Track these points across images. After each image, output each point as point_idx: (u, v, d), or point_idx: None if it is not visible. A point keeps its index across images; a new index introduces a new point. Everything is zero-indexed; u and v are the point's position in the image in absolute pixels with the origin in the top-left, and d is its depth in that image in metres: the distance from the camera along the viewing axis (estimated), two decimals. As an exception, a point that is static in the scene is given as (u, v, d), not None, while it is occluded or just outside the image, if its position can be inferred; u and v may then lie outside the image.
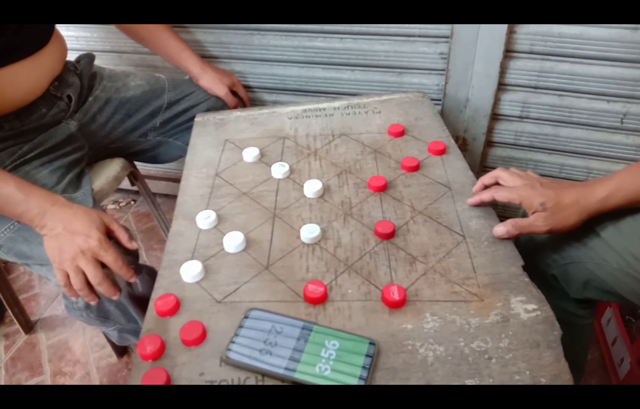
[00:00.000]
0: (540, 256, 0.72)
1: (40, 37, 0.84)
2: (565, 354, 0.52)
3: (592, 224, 0.63)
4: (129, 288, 0.76)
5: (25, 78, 0.82)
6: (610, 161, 1.07)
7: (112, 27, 1.18)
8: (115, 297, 0.70)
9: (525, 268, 0.62)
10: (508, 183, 0.67)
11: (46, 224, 0.70)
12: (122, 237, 0.72)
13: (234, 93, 1.10)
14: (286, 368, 0.51)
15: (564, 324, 0.55)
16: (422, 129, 0.89)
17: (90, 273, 0.67)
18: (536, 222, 0.61)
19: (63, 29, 0.96)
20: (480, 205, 0.71)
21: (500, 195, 0.66)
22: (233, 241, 0.67)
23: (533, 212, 0.62)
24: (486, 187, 0.71)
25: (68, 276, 0.68)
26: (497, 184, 0.70)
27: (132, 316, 0.80)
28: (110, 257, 0.68)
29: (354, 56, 1.10)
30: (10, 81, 0.79)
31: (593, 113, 1.02)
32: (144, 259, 1.39)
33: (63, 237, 0.68)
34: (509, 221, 0.64)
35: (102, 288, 0.68)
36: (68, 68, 0.94)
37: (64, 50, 0.93)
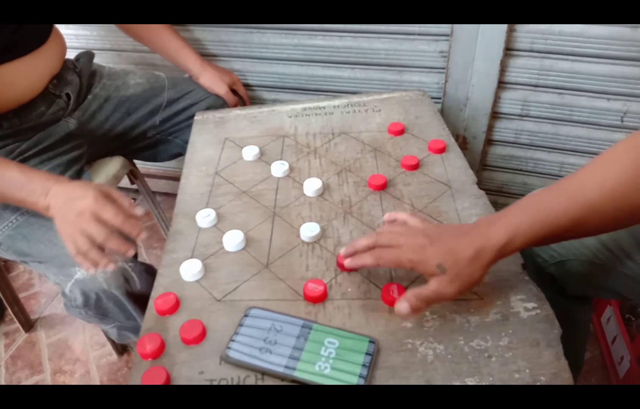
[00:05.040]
0: (538, 253, 0.72)
1: (39, 35, 0.84)
2: (564, 350, 0.52)
3: None
4: (127, 286, 0.76)
5: (24, 76, 0.82)
6: (611, 159, 1.07)
7: (111, 26, 1.18)
8: (130, 253, 0.67)
9: (524, 266, 0.62)
10: (391, 243, 0.56)
11: (49, 202, 0.69)
12: (124, 201, 0.69)
13: (233, 91, 1.09)
14: (286, 367, 0.51)
15: (561, 320, 0.55)
16: (422, 128, 0.89)
17: (93, 231, 0.64)
18: (442, 290, 0.52)
19: (62, 27, 0.96)
20: (359, 269, 0.60)
21: (387, 258, 0.55)
22: (233, 240, 0.67)
23: (431, 276, 0.53)
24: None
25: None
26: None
27: (131, 313, 0.80)
28: (109, 212, 0.65)
29: (353, 54, 1.10)
30: (9, 79, 0.79)
31: (593, 111, 1.02)
32: (144, 257, 1.39)
33: (66, 209, 0.67)
34: (411, 294, 0.53)
35: (112, 243, 0.65)
36: (67, 66, 0.94)
37: (63, 48, 0.92)
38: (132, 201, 0.70)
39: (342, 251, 0.59)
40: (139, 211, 0.69)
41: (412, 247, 0.53)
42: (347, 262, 0.58)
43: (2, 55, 0.77)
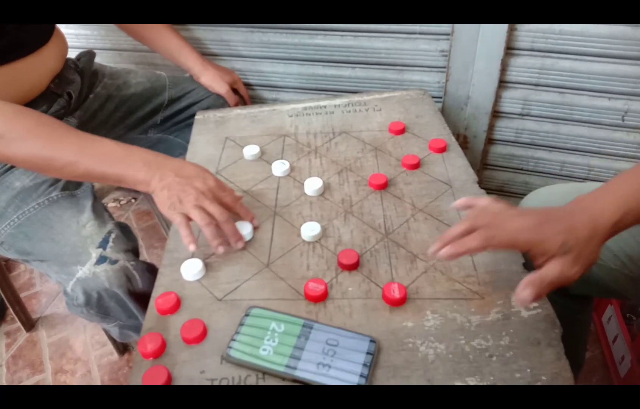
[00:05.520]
0: None
1: (41, 35, 0.84)
2: (565, 349, 0.52)
3: None
4: (129, 284, 0.76)
5: (26, 76, 0.82)
6: (612, 159, 1.07)
7: (112, 25, 1.18)
8: (240, 245, 0.66)
9: (525, 265, 0.62)
10: (495, 224, 0.50)
11: (154, 175, 0.67)
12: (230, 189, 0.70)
13: (234, 91, 1.09)
14: (287, 366, 0.51)
15: (563, 319, 0.55)
16: (422, 127, 0.89)
17: (216, 212, 0.64)
18: (567, 272, 0.47)
19: (63, 27, 0.96)
20: (463, 254, 0.51)
21: (499, 239, 0.49)
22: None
23: (551, 258, 0.48)
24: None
25: (187, 221, 0.64)
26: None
27: (133, 312, 0.80)
28: (229, 197, 0.67)
29: (354, 53, 1.10)
30: (12, 79, 0.79)
31: (594, 110, 1.01)
32: (145, 257, 1.39)
33: (178, 184, 0.66)
34: (535, 279, 0.48)
35: (228, 228, 0.65)
36: (69, 65, 0.94)
37: (64, 47, 0.92)
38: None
39: (432, 248, 0.51)
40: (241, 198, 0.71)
41: (525, 226, 0.48)
42: (447, 251, 0.49)
43: (5, 55, 0.77)
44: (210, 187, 0.66)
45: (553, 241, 0.47)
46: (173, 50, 1.04)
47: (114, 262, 0.75)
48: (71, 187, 0.83)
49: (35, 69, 0.83)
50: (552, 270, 0.47)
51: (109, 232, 0.77)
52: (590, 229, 0.47)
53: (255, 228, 0.70)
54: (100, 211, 0.81)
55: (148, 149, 0.70)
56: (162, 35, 1.03)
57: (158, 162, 0.68)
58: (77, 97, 0.93)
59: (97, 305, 0.78)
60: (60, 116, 0.90)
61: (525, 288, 0.47)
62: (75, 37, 1.22)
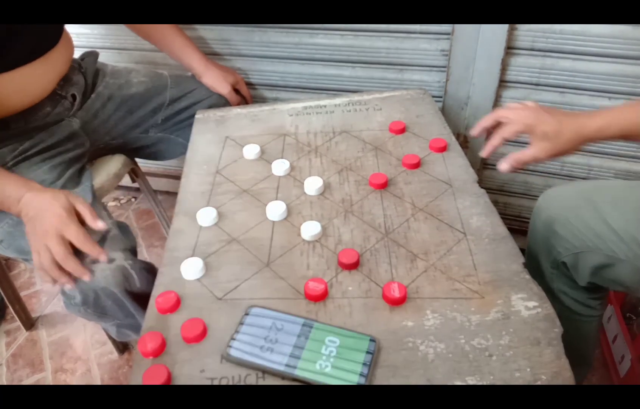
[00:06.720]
0: (554, 245, 0.71)
1: (51, 37, 0.84)
2: (573, 345, 0.52)
3: (602, 213, 0.64)
4: (127, 284, 0.76)
5: (36, 79, 0.82)
6: (612, 158, 1.07)
7: (112, 24, 1.17)
8: (85, 278, 0.69)
9: (535, 258, 0.62)
10: (510, 118, 0.69)
11: (21, 210, 0.71)
12: (87, 216, 0.71)
13: (236, 91, 1.09)
14: (287, 365, 0.51)
15: (574, 314, 0.55)
16: (423, 126, 0.89)
17: (54, 249, 0.67)
18: (539, 155, 0.66)
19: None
20: (494, 151, 0.72)
21: (508, 132, 0.69)
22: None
23: (534, 140, 0.66)
24: (488, 131, 0.74)
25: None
26: (499, 124, 0.72)
27: (130, 311, 0.80)
28: (72, 232, 0.68)
29: (355, 53, 1.09)
30: (22, 83, 0.79)
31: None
32: (145, 256, 1.39)
33: (35, 219, 0.69)
34: (510, 157, 0.67)
35: (69, 265, 0.68)
36: (73, 66, 0.94)
37: (71, 49, 0.93)
38: (95, 214, 0.72)
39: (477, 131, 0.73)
40: (100, 225, 0.71)
41: (528, 115, 0.67)
42: (483, 154, 0.73)
43: (17, 60, 0.77)
44: (53, 223, 0.67)
45: (539, 126, 0.65)
46: (176, 49, 1.04)
47: (112, 261, 0.74)
48: (70, 186, 0.83)
49: (44, 73, 0.83)
50: (527, 151, 0.66)
51: (107, 231, 0.77)
52: (574, 128, 0.63)
53: (108, 260, 0.71)
54: (98, 210, 0.81)
55: (26, 181, 0.73)
56: (167, 35, 1.02)
57: (28, 197, 0.70)
58: (80, 99, 0.93)
59: (94, 304, 0.77)
60: (63, 116, 0.90)
61: (503, 162, 0.69)
62: (76, 36, 1.21)
